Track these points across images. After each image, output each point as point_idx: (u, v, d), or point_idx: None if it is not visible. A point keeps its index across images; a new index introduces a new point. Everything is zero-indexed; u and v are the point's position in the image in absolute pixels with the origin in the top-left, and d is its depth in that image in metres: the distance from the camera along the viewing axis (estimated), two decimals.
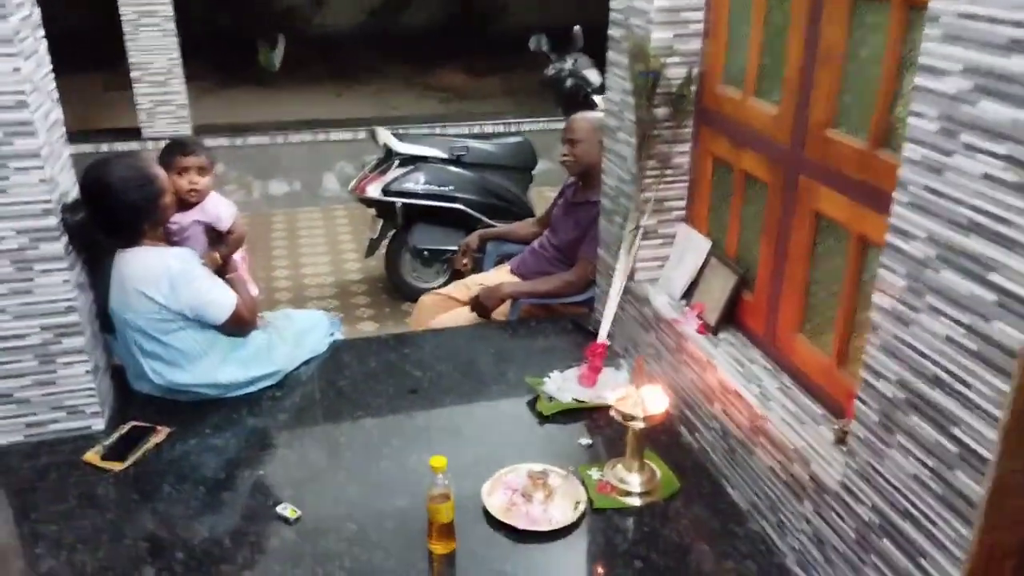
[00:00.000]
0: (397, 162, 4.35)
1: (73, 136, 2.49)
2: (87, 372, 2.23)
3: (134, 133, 5.76)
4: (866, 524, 1.60)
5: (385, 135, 4.39)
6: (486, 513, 1.96)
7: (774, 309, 2.12)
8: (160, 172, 2.33)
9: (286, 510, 1.97)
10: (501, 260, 3.52)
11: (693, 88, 2.37)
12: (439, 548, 1.85)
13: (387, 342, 2.86)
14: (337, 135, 6.14)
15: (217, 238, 2.53)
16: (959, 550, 1.38)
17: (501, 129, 6.23)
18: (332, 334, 2.79)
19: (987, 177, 1.26)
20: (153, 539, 1.91)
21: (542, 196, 5.37)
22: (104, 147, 5.59)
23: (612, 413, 2.04)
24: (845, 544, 1.67)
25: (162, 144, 2.61)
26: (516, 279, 3.21)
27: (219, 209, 2.52)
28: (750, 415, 1.98)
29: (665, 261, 2.57)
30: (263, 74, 9.03)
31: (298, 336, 2.64)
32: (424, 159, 4.40)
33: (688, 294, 2.44)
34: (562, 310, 3.09)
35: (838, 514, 1.69)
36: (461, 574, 1.83)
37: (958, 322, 1.33)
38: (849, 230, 1.80)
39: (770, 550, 1.90)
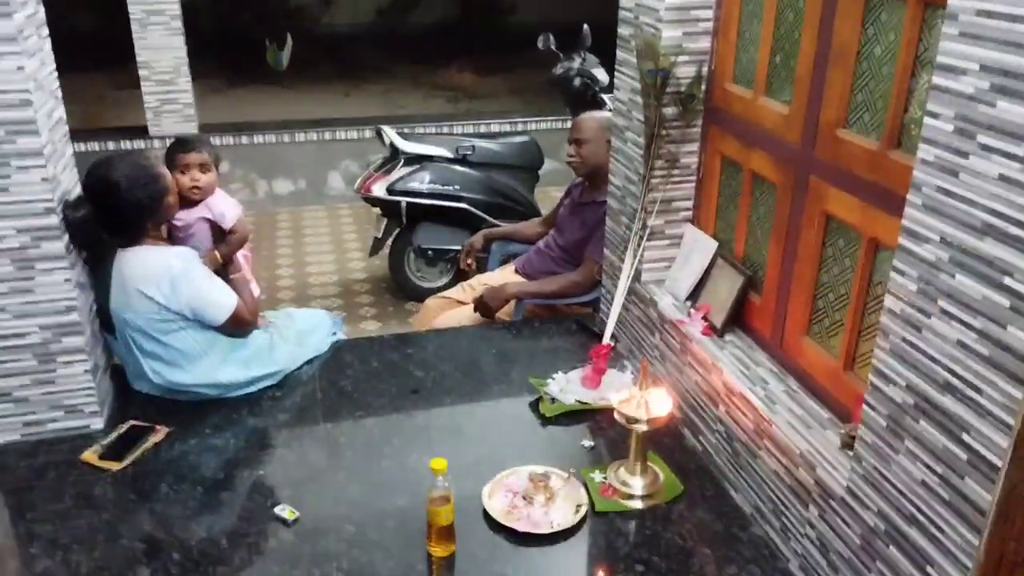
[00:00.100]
0: (402, 161, 4.33)
1: (79, 134, 2.48)
2: (86, 371, 2.22)
3: (141, 131, 5.77)
4: (872, 530, 1.57)
5: (391, 134, 4.37)
6: (486, 515, 1.94)
7: (781, 311, 2.09)
8: (165, 171, 2.32)
9: (284, 511, 1.94)
10: (506, 260, 3.49)
11: (702, 87, 2.34)
12: (438, 551, 1.83)
13: (389, 342, 2.84)
14: (343, 134, 6.13)
15: (220, 236, 2.52)
16: (967, 558, 1.35)
17: (508, 128, 6.21)
18: (334, 333, 2.77)
19: (1003, 179, 1.23)
20: (150, 540, 1.89)
21: (548, 196, 5.35)
22: (111, 145, 5.59)
23: (615, 415, 2.02)
24: (850, 550, 1.64)
25: (168, 143, 2.59)
26: (521, 279, 3.19)
27: (224, 207, 2.51)
28: (755, 418, 1.95)
29: (671, 262, 2.54)
30: (271, 73, 9.03)
31: (300, 336, 2.62)
32: (430, 158, 4.38)
33: (694, 295, 2.41)
34: (567, 311, 3.06)
35: (843, 519, 1.66)
36: None
37: (970, 327, 1.30)
38: (860, 232, 1.77)
39: (773, 555, 1.88)
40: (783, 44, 2.02)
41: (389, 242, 4.49)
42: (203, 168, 2.47)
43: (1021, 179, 1.20)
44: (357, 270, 5.07)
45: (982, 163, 1.26)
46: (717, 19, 2.28)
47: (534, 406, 2.41)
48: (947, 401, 1.36)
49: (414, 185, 4.28)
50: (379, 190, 4.27)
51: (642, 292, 2.55)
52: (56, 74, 2.22)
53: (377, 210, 4.55)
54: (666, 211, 2.50)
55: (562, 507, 1.96)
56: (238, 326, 2.37)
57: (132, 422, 2.28)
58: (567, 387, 2.43)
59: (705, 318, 2.29)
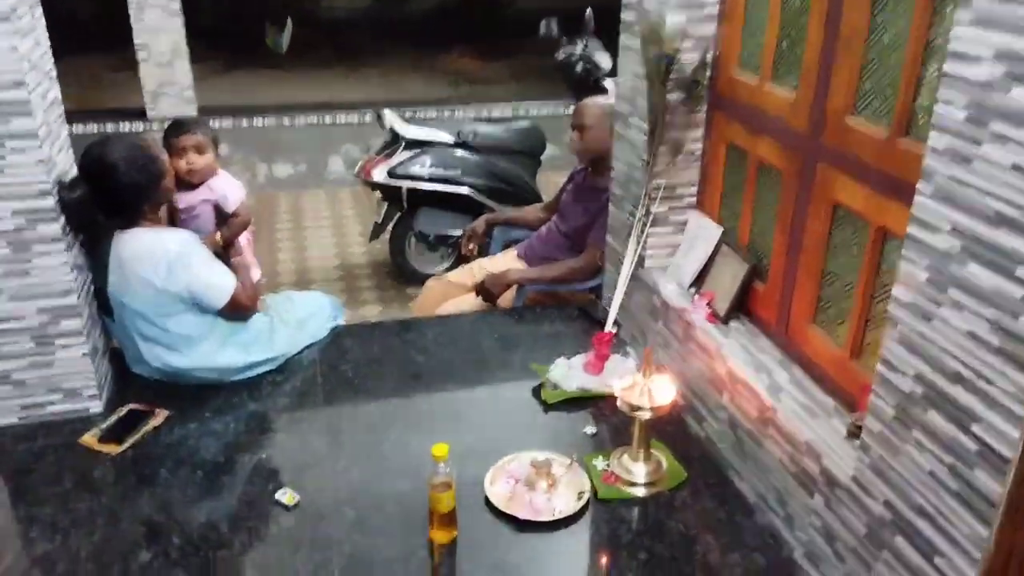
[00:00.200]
0: (403, 145, 4.29)
1: (76, 116, 2.45)
2: (84, 354, 2.20)
3: (139, 114, 5.73)
4: (878, 520, 1.56)
5: (392, 118, 4.33)
6: (488, 502, 1.93)
7: (787, 299, 2.07)
8: (162, 153, 2.29)
9: (285, 495, 1.94)
10: (508, 246, 3.47)
11: (708, 73, 2.31)
12: (440, 537, 1.82)
13: (390, 327, 2.83)
14: (343, 118, 6.09)
15: (221, 219, 2.49)
16: (976, 549, 1.34)
17: (510, 113, 6.18)
18: (335, 318, 2.75)
19: (1017, 168, 1.20)
20: (149, 523, 1.88)
21: (550, 181, 5.31)
22: (108, 127, 5.55)
23: (618, 403, 2.00)
24: (856, 539, 1.63)
25: (167, 125, 2.57)
26: (522, 265, 3.17)
27: (227, 189, 2.49)
28: (759, 406, 1.94)
29: (675, 249, 2.53)
30: (271, 56, 8.97)
31: (300, 320, 2.60)
32: (431, 143, 4.34)
33: (698, 282, 2.39)
34: (569, 297, 3.05)
35: (849, 509, 1.65)
36: (462, 563, 1.80)
37: (982, 317, 1.29)
38: (867, 220, 1.75)
39: (778, 543, 1.87)
40: (790, 29, 1.99)
41: (390, 227, 4.46)
42: (198, 150, 2.44)
43: None
44: (358, 255, 5.05)
45: (995, 151, 1.24)
46: (723, 3, 2.25)
47: (536, 392, 2.39)
48: (957, 391, 1.35)
49: (415, 170, 4.25)
50: (380, 175, 4.24)
51: (645, 279, 2.53)
52: (51, 54, 2.19)
53: (378, 194, 4.53)
54: (670, 197, 2.48)
55: (564, 494, 1.95)
56: (237, 310, 2.35)
57: (131, 405, 2.27)
58: (569, 373, 2.41)
59: (709, 305, 2.28)
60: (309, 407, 2.34)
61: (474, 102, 6.43)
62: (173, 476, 2.03)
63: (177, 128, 2.46)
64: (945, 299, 1.35)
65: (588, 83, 4.58)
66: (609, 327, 2.50)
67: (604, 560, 1.83)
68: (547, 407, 2.33)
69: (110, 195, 2.19)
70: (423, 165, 4.26)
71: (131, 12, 5.43)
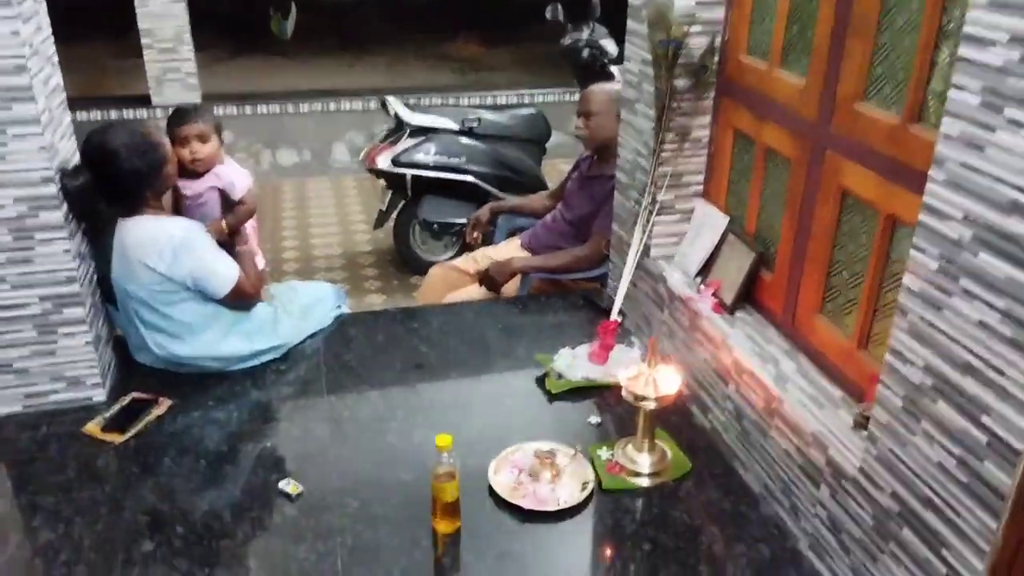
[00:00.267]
0: (408, 133, 4.27)
1: (80, 103, 2.43)
2: (87, 343, 2.19)
3: (143, 101, 5.71)
4: (885, 512, 1.55)
5: (396, 105, 4.31)
6: (492, 492, 1.92)
7: (794, 288, 2.05)
8: (164, 140, 2.28)
9: (288, 485, 1.93)
10: (512, 234, 3.45)
11: (715, 58, 2.28)
12: (443, 527, 1.81)
13: (394, 316, 2.81)
14: (347, 105, 6.06)
15: (227, 207, 2.48)
16: (984, 542, 1.33)
17: (515, 100, 6.14)
18: (338, 307, 2.74)
19: None
20: (153, 513, 1.88)
21: (555, 169, 5.29)
22: (112, 114, 5.54)
23: (623, 393, 1.99)
24: (862, 531, 1.62)
25: (170, 113, 2.55)
26: (527, 253, 3.15)
27: (234, 176, 2.47)
28: (766, 397, 1.92)
29: (681, 237, 2.50)
30: (275, 43, 8.93)
31: (304, 309, 2.59)
32: (435, 130, 4.32)
33: (704, 271, 2.37)
34: (573, 286, 3.03)
35: (856, 500, 1.63)
36: (465, 553, 1.79)
37: (993, 307, 1.26)
38: (877, 208, 1.72)
39: (783, 534, 1.86)
40: (800, 14, 1.96)
41: (394, 215, 4.44)
42: (201, 139, 2.42)
43: None
44: (362, 243, 5.03)
45: (1010, 138, 1.22)
46: None
47: (540, 382, 2.38)
48: (967, 382, 1.33)
49: (420, 157, 4.23)
50: (384, 162, 4.22)
51: (651, 268, 2.51)
52: (52, 39, 2.17)
53: (382, 182, 4.51)
54: (676, 185, 2.46)
55: (568, 484, 1.94)
56: (241, 299, 2.34)
57: (134, 394, 2.26)
58: (574, 363, 2.40)
59: (715, 295, 2.26)
60: (312, 396, 2.33)
61: (479, 89, 6.40)
62: (176, 465, 2.03)
63: (180, 117, 2.44)
64: (956, 288, 1.33)
65: (594, 69, 4.55)
66: (614, 316, 2.48)
67: (608, 551, 1.82)
68: (551, 397, 2.32)
69: (112, 182, 2.17)
70: (427, 153, 4.24)
71: None
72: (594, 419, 2.23)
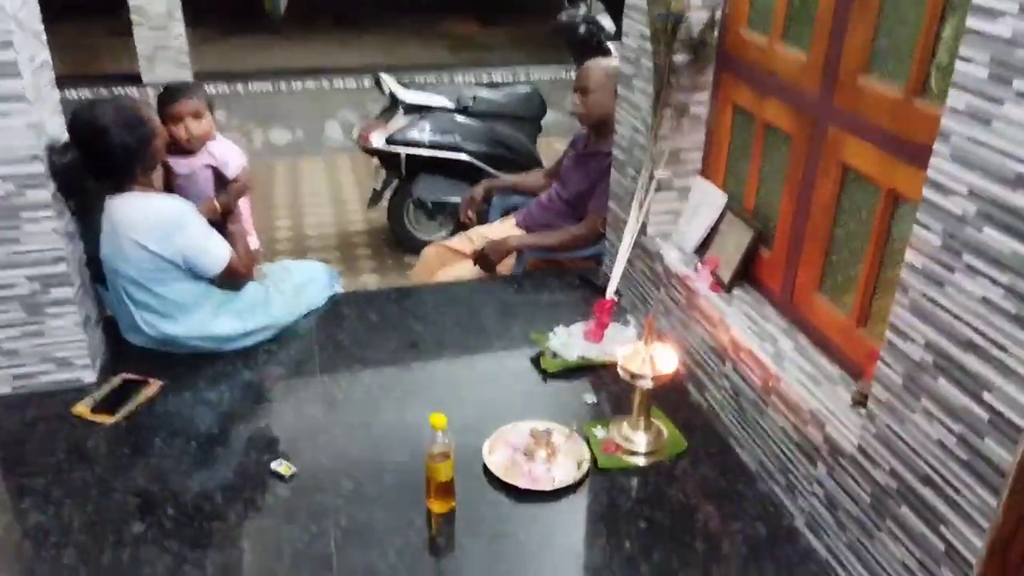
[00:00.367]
0: (402, 111, 4.22)
1: (70, 81, 2.38)
2: (76, 323, 2.16)
3: (134, 79, 5.64)
4: (883, 489, 1.53)
5: (391, 83, 4.25)
6: (487, 471, 1.90)
7: (792, 266, 2.02)
8: (152, 115, 2.24)
9: (281, 466, 1.91)
10: (507, 212, 3.42)
11: (715, 33, 2.24)
12: (438, 507, 1.79)
13: (388, 295, 2.79)
14: (341, 83, 6.00)
15: (219, 185, 2.44)
16: (983, 519, 1.31)
17: (510, 78, 6.08)
18: (332, 287, 2.71)
19: None
20: (143, 494, 1.86)
21: (550, 147, 5.25)
22: (103, 92, 5.45)
23: (619, 371, 1.97)
24: (859, 508, 1.61)
25: (160, 91, 2.50)
26: (522, 232, 3.12)
27: (228, 155, 2.43)
28: (763, 375, 1.90)
29: (678, 215, 2.47)
30: (268, 21, 8.82)
31: (296, 288, 2.56)
32: (430, 108, 4.27)
33: (702, 249, 2.35)
34: (569, 264, 3.00)
35: (853, 478, 1.62)
36: (460, 533, 1.77)
37: (997, 283, 1.24)
38: (879, 184, 1.69)
39: (779, 512, 1.84)
40: None
41: (388, 194, 4.40)
42: (196, 116, 2.38)
43: None
44: (356, 222, 4.99)
45: (1018, 111, 1.19)
46: None
47: (535, 361, 2.36)
48: (968, 359, 1.31)
49: (414, 135, 4.18)
50: (378, 140, 4.17)
51: (648, 246, 2.48)
52: (39, 14, 2.12)
53: (376, 161, 4.46)
54: (674, 163, 2.42)
55: (564, 463, 1.92)
56: (232, 278, 2.31)
57: (125, 375, 2.23)
58: (569, 342, 2.38)
59: (713, 273, 2.23)
60: (305, 376, 2.31)
61: (474, 67, 6.33)
62: (167, 446, 2.00)
63: (172, 95, 2.40)
64: (959, 264, 1.31)
65: (591, 46, 4.50)
66: (610, 295, 2.46)
67: (604, 530, 1.80)
68: (547, 376, 2.30)
69: (101, 158, 2.13)
70: (422, 131, 4.19)
71: None
72: (590, 398, 2.21)
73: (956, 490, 1.36)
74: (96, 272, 2.28)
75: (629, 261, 2.50)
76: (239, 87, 5.84)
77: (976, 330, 1.29)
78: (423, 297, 2.77)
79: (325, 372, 2.31)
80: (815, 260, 1.94)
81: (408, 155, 4.19)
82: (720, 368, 2.09)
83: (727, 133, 2.30)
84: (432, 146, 4.21)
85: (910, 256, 1.41)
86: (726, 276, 2.20)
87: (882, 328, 1.71)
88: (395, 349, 2.43)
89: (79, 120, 2.14)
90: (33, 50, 2.04)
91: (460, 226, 3.75)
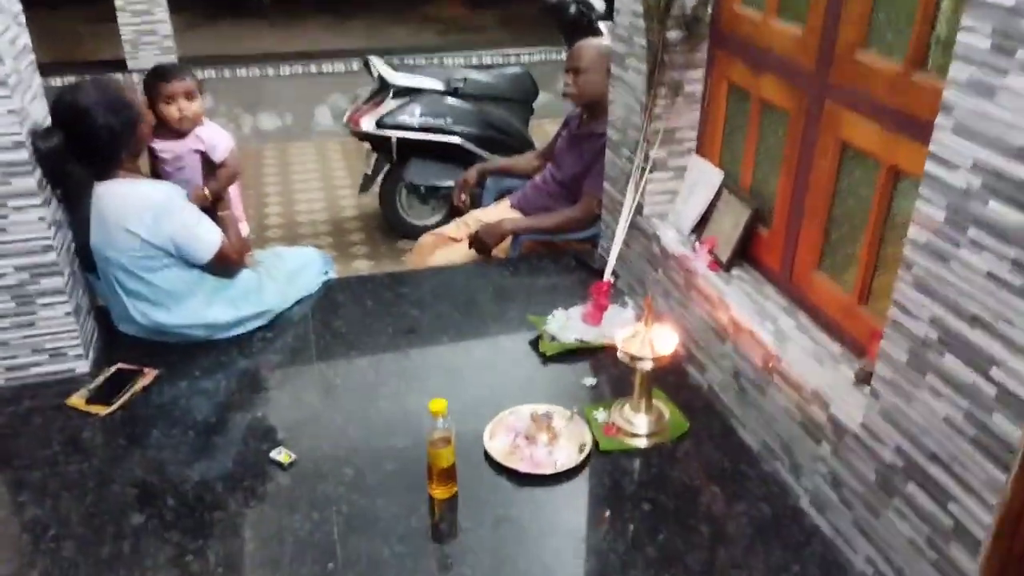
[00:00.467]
0: (392, 94, 4.17)
1: (54, 68, 2.33)
2: (68, 313, 2.13)
3: (119, 65, 5.56)
4: (889, 467, 1.53)
5: (380, 65, 4.20)
6: (488, 456, 1.89)
7: (791, 244, 2.01)
8: (136, 97, 2.20)
9: (280, 454, 1.89)
10: (501, 196, 3.39)
11: (709, 9, 2.21)
12: (440, 493, 1.78)
13: (383, 280, 2.76)
14: (329, 67, 5.93)
15: (209, 171, 2.40)
16: (992, 495, 1.31)
17: (500, 61, 6.02)
18: (325, 272, 2.68)
19: None
20: (142, 485, 1.84)
21: (541, 129, 5.21)
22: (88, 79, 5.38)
23: (619, 353, 1.95)
24: (865, 486, 1.60)
25: (150, 70, 2.45)
26: (517, 215, 3.10)
27: (216, 139, 2.39)
28: (764, 354, 1.89)
29: (675, 195, 2.45)
30: (253, 5, 8.71)
31: (289, 275, 2.53)
32: (420, 91, 4.22)
33: (699, 229, 2.33)
34: (565, 247, 2.98)
35: (858, 456, 1.61)
36: (463, 519, 1.76)
37: (1003, 257, 1.23)
38: (879, 160, 1.68)
39: (784, 492, 1.84)
40: None
41: (379, 178, 4.36)
42: (188, 97, 2.34)
43: None
44: (347, 208, 4.95)
45: (1022, 81, 1.17)
46: None
47: (534, 344, 2.34)
48: (975, 335, 1.30)
49: (404, 119, 4.13)
50: (368, 124, 4.13)
51: (644, 226, 2.46)
52: None
53: (367, 145, 4.42)
54: (669, 142, 2.40)
55: (565, 447, 1.91)
56: (224, 264, 2.28)
57: (119, 365, 2.21)
58: (567, 325, 2.36)
59: (711, 252, 2.22)
60: (302, 363, 2.29)
61: (463, 50, 6.27)
62: (164, 437, 1.98)
63: (164, 74, 2.35)
64: (964, 239, 1.29)
65: (582, 26, 4.45)
66: (607, 277, 2.44)
67: (607, 513, 1.79)
68: (545, 359, 2.29)
69: (85, 141, 2.09)
70: (412, 114, 4.15)
71: None
72: (589, 381, 2.20)
73: (964, 467, 1.35)
74: (87, 261, 2.25)
75: (625, 242, 2.49)
76: (226, 72, 5.77)
77: (982, 305, 1.28)
78: (418, 282, 2.75)
79: (322, 359, 2.29)
80: (814, 237, 1.92)
81: (399, 139, 4.15)
82: (720, 348, 2.08)
83: (722, 110, 2.28)
84: (423, 129, 4.16)
85: (913, 232, 1.39)
86: (724, 255, 2.18)
87: (884, 305, 1.70)
88: (392, 335, 2.41)
89: (62, 103, 2.10)
90: (13, 34, 1.99)
91: (453, 210, 3.72)
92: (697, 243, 2.29)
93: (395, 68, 4.24)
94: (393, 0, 9.12)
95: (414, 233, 3.46)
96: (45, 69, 2.20)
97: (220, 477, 1.86)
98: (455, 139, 4.21)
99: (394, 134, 4.12)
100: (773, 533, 1.73)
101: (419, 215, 4.44)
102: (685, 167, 2.43)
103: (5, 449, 1.95)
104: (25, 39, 2.09)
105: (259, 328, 2.39)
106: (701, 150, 2.41)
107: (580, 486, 1.85)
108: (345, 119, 4.30)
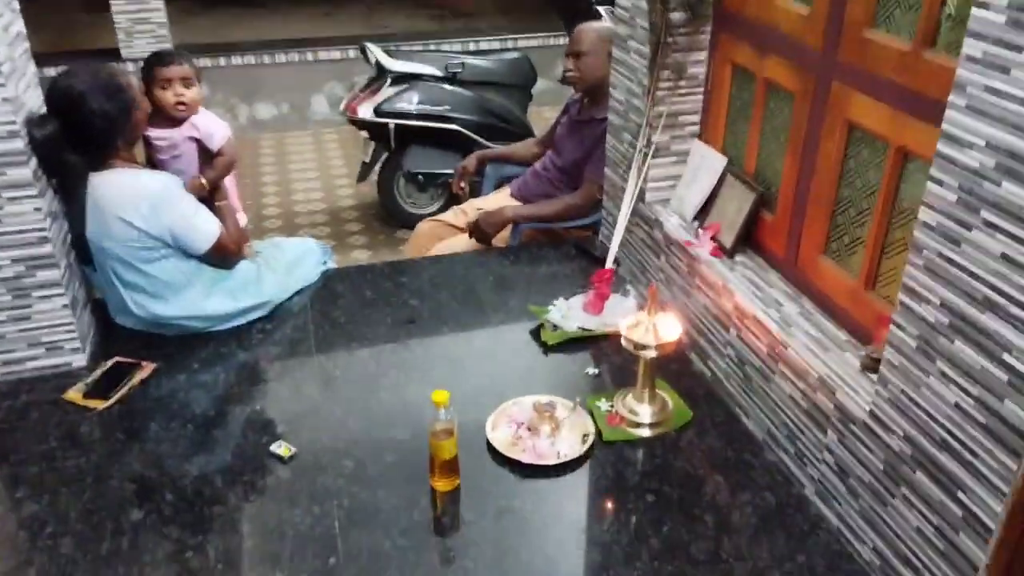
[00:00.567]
0: (389, 80, 4.13)
1: (49, 58, 2.29)
2: (64, 306, 2.10)
3: (113, 54, 5.50)
4: (897, 455, 1.50)
5: (377, 52, 4.15)
6: (490, 447, 1.87)
7: (796, 229, 1.98)
8: (132, 82, 2.16)
9: (280, 447, 1.87)
10: (501, 183, 3.36)
11: None
12: (442, 485, 1.76)
13: (382, 270, 2.73)
14: (326, 54, 5.88)
15: (206, 160, 2.37)
16: (1003, 483, 1.28)
17: (497, 46, 5.96)
18: (324, 263, 2.65)
19: None
20: (141, 480, 1.81)
21: (540, 116, 5.16)
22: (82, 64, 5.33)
23: (623, 342, 1.93)
24: (872, 475, 1.58)
25: (148, 56, 2.41)
26: (517, 203, 3.06)
27: (212, 126, 2.35)
28: (769, 341, 1.87)
29: (677, 180, 2.42)
30: None
31: (288, 265, 2.50)
32: (418, 77, 4.18)
33: (702, 215, 2.30)
34: (565, 235, 2.95)
35: (865, 444, 1.59)
36: (466, 512, 1.74)
37: (1017, 238, 1.20)
38: (887, 141, 1.64)
39: (788, 481, 1.82)
40: None
41: (377, 167, 4.32)
42: (186, 82, 2.30)
43: None
44: (345, 197, 4.92)
45: None
46: None
47: (535, 334, 2.32)
48: (987, 319, 1.27)
49: (402, 106, 4.09)
50: (366, 111, 4.08)
51: (646, 213, 2.43)
52: None
53: (364, 133, 4.37)
54: (672, 126, 2.37)
55: (568, 437, 1.89)
56: (222, 255, 2.25)
57: (116, 358, 2.18)
58: (569, 314, 2.33)
59: (714, 238, 2.19)
60: (301, 355, 2.26)
61: (460, 36, 6.21)
62: (163, 430, 1.96)
63: (162, 59, 2.31)
64: (976, 221, 1.26)
65: (581, 10, 4.39)
66: (609, 264, 2.41)
67: (611, 503, 1.77)
68: (547, 349, 2.26)
69: (81, 128, 2.05)
70: (410, 101, 4.10)
71: None
72: (591, 370, 2.17)
73: (974, 454, 1.33)
74: (83, 253, 2.22)
75: (627, 229, 2.46)
76: (221, 60, 5.72)
77: (995, 288, 1.25)
78: (418, 271, 2.72)
79: (321, 350, 2.27)
80: (820, 222, 1.89)
81: (397, 126, 4.10)
82: (724, 336, 2.06)
83: (726, 93, 2.24)
84: (421, 116, 4.12)
85: (924, 214, 1.36)
86: (728, 241, 2.15)
87: (891, 290, 1.68)
88: (392, 325, 2.38)
89: (56, 88, 2.07)
90: (7, 20, 1.96)
91: (452, 198, 3.69)
92: (700, 229, 2.26)
93: (392, 54, 4.19)
94: None
95: (412, 222, 3.42)
96: (38, 59, 2.16)
97: (219, 471, 1.84)
98: (454, 126, 4.17)
99: (392, 122, 4.08)
100: (778, 523, 1.71)
101: (418, 203, 4.40)
102: (688, 152, 2.40)
103: (2, 445, 1.92)
104: (19, 26, 2.05)
105: (258, 319, 2.36)
106: (704, 134, 2.37)
107: (583, 477, 1.83)
108: (342, 107, 4.25)
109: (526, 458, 1.83)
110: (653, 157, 2.37)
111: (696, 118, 2.37)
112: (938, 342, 1.37)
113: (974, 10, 1.22)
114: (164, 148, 2.33)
